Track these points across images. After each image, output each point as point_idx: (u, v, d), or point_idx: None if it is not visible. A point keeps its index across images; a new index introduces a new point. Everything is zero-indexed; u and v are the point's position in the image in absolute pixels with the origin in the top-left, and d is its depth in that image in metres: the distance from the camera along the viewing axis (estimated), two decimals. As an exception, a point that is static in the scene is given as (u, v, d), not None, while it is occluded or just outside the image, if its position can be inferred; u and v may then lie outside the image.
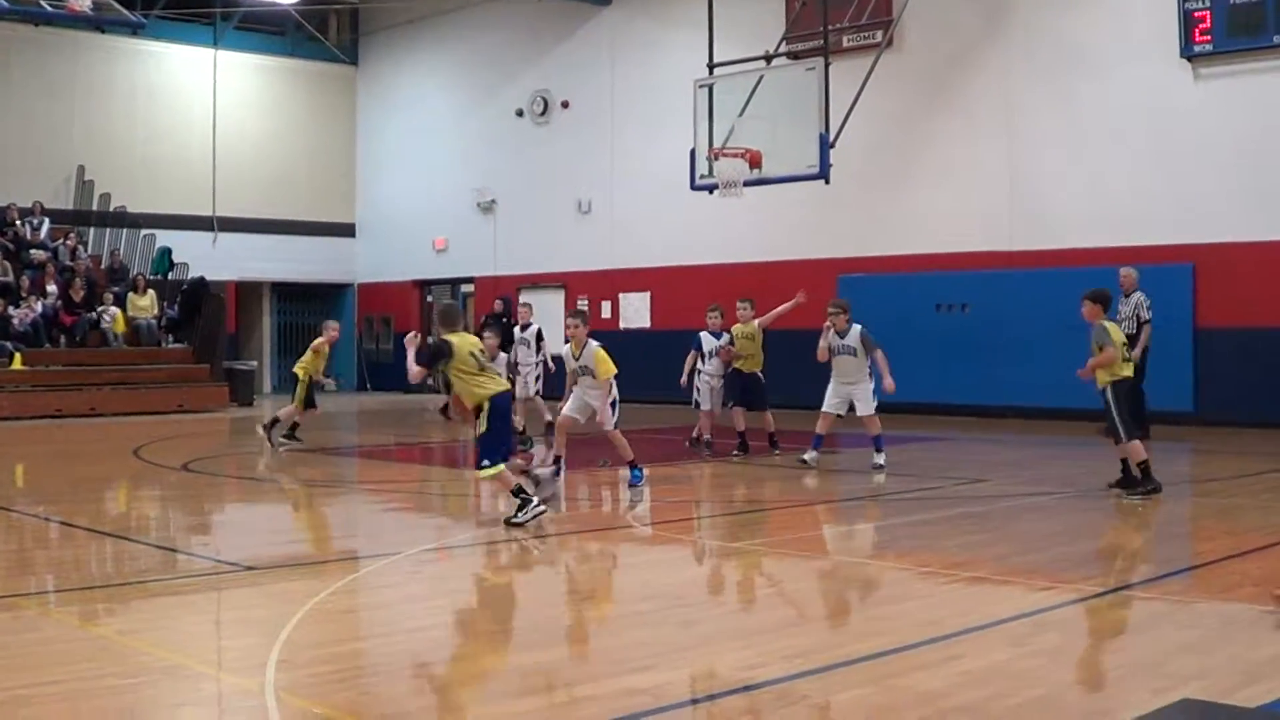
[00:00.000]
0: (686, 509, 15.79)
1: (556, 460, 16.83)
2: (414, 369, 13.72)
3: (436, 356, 13.63)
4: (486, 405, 13.41)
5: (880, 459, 18.16)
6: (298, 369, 22.54)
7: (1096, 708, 7.03)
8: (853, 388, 18.46)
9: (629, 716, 6.75)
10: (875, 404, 18.49)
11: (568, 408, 17.08)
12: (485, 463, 13.37)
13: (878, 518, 15.02)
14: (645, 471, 16.94)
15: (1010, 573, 10.76)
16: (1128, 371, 15.31)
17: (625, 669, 7.70)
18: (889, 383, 18.16)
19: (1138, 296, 21.63)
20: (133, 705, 7.17)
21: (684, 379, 20.97)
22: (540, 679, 7.60)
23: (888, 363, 18.23)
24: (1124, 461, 15.41)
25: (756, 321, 20.43)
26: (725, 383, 20.71)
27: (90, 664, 7.93)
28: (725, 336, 20.63)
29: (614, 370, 16.69)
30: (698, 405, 20.93)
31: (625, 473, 16.86)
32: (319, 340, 22.79)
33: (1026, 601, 9.68)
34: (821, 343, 18.67)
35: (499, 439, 13.66)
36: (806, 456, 18.63)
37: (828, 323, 18.57)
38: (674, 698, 7.28)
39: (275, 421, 21.98)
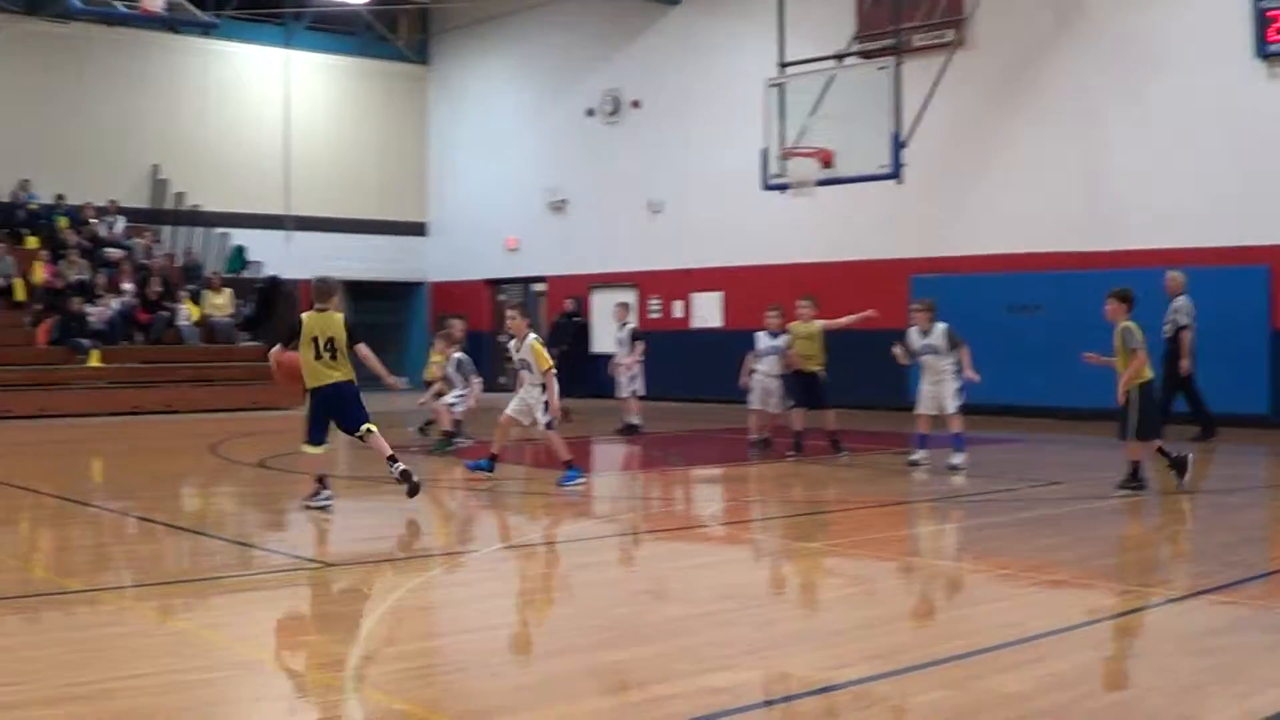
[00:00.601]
0: (760, 509, 15.76)
1: (492, 458, 16.99)
2: (274, 353, 14.62)
3: (291, 335, 14.31)
4: (308, 393, 14.27)
5: (957, 459, 18.01)
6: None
7: (1180, 713, 6.96)
8: (938, 386, 18.36)
9: (710, 716, 6.75)
10: (959, 403, 18.37)
11: (510, 407, 16.99)
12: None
13: (954, 519, 14.95)
14: (583, 474, 16.84)
15: (1090, 575, 10.69)
16: (1150, 373, 15.24)
17: (704, 668, 7.68)
18: (970, 374, 18.08)
19: (1182, 301, 21.53)
20: (215, 699, 7.23)
21: (743, 379, 20.91)
22: (619, 678, 7.61)
23: (970, 356, 18.15)
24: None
25: (819, 322, 20.31)
26: (786, 383, 20.62)
27: (172, 658, 7.99)
28: (784, 336, 20.54)
29: (550, 364, 16.61)
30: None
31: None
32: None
33: (1107, 605, 9.62)
34: (896, 349, 18.62)
35: (316, 426, 14.44)
36: (915, 457, 18.56)
37: (910, 324, 18.54)
38: (754, 698, 7.28)
39: (429, 423, 22.75)
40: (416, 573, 11.13)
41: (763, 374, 20.65)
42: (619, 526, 14.32)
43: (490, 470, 16.87)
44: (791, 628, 9.20)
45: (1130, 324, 15.11)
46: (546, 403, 16.54)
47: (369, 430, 14.42)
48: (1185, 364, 21.22)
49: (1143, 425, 14.93)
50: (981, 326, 24.70)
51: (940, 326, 18.26)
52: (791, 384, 20.52)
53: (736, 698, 7.10)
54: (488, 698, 7.16)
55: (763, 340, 20.74)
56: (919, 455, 18.53)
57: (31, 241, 34.29)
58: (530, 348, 16.57)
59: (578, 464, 16.60)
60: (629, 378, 23.90)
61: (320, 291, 14.48)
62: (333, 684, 7.28)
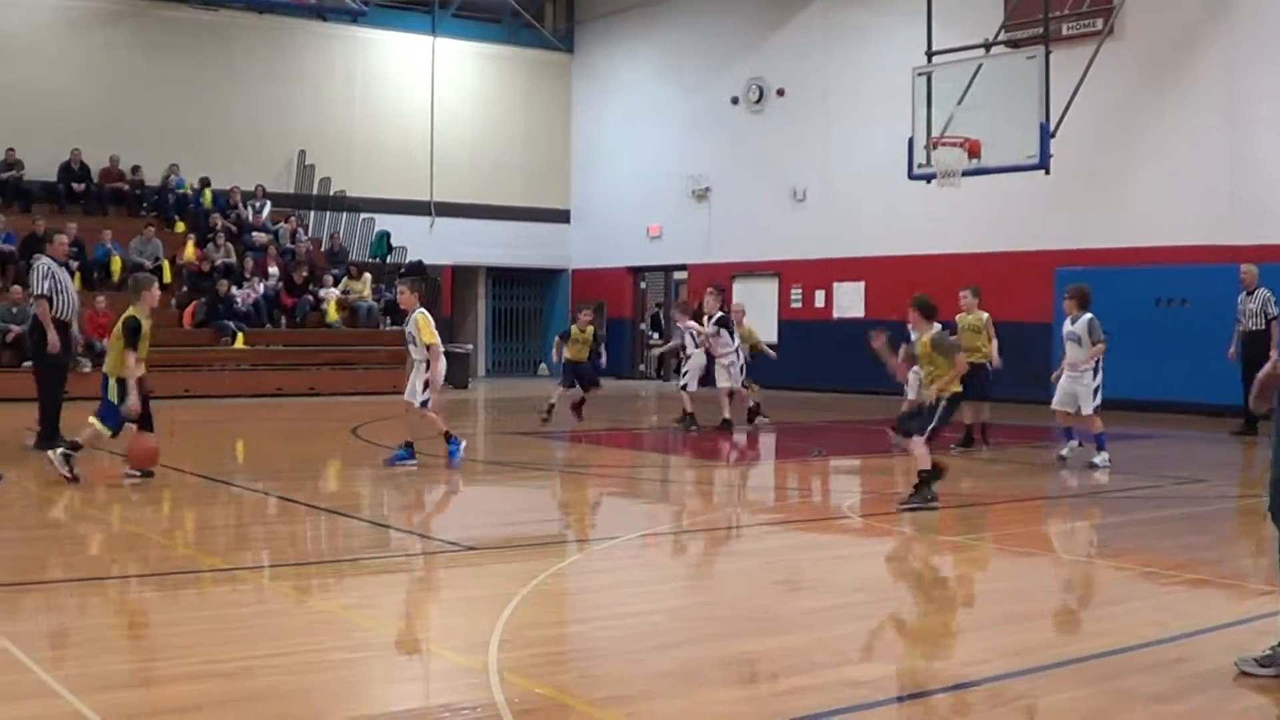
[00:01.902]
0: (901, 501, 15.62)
1: (407, 446, 16.88)
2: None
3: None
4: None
5: (1098, 459, 17.47)
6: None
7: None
8: (1075, 380, 17.79)
9: (849, 708, 6.71)
10: (1097, 403, 17.71)
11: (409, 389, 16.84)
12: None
13: (1096, 515, 14.75)
14: (463, 443, 17.10)
15: (1233, 576, 10.54)
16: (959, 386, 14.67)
17: (843, 660, 7.67)
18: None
19: (1262, 292, 21.22)
20: (357, 679, 7.30)
21: (900, 373, 20.51)
22: (757, 668, 7.58)
23: (1095, 358, 17.62)
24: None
25: (984, 313, 19.72)
26: None
27: (313, 637, 8.09)
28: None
29: (435, 339, 16.42)
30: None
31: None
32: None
33: (1249, 606, 9.41)
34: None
35: (111, 407, 14.58)
36: (1064, 451, 18.19)
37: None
38: (892, 691, 7.23)
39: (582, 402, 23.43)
40: (555, 558, 11.16)
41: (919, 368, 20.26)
42: (757, 517, 14.25)
43: (410, 460, 16.83)
44: (930, 622, 9.12)
45: (938, 332, 14.56)
46: (427, 381, 16.42)
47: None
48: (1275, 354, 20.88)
49: (933, 432, 14.30)
50: (1127, 321, 24.35)
51: (1085, 317, 17.67)
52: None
53: (876, 691, 7.07)
54: (626, 684, 7.15)
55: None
56: (1067, 449, 18.16)
57: (180, 225, 34.78)
58: (416, 321, 16.42)
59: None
60: (732, 368, 23.25)
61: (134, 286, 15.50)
62: (473, 667, 7.30)
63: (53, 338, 17.37)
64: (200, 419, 24.59)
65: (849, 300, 34.18)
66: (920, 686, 7.41)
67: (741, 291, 35.61)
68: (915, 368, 20.02)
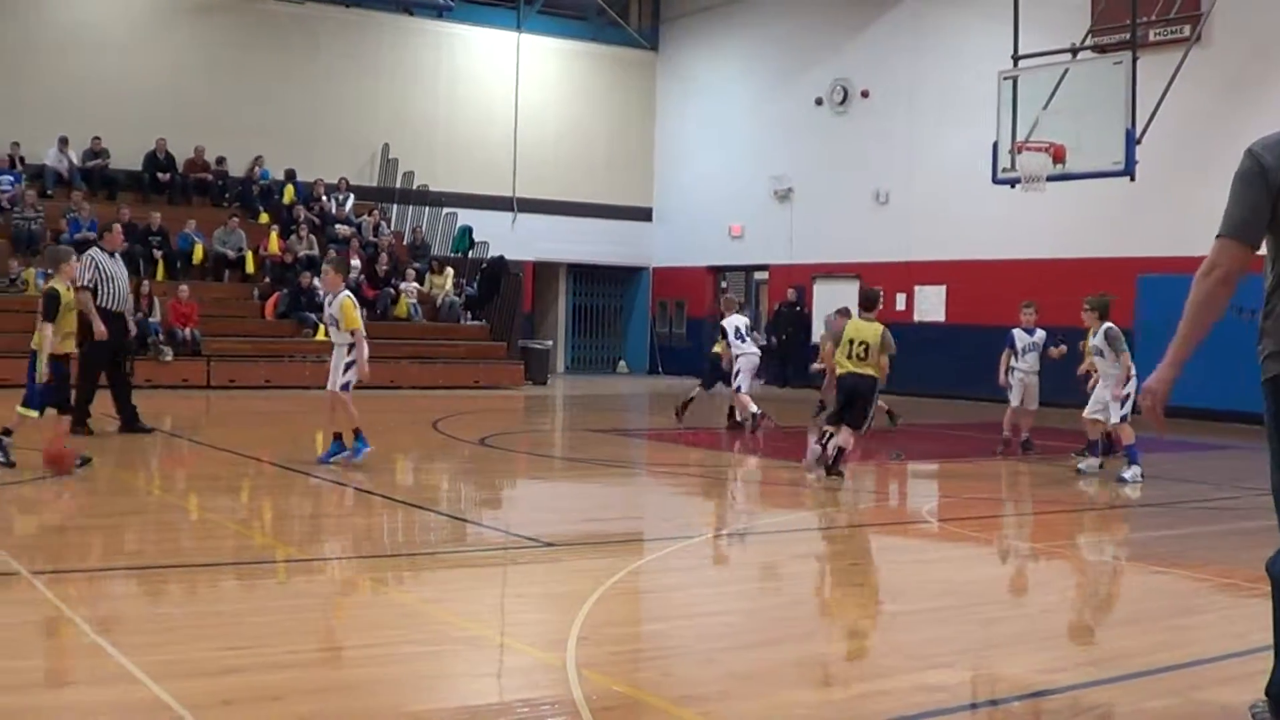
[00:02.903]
0: (983, 506, 15.54)
1: (336, 436, 16.20)
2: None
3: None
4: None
5: (1128, 473, 16.86)
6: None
7: None
8: (1104, 391, 17.50)
9: (927, 713, 6.71)
10: (1123, 412, 17.08)
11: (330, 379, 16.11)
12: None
13: (1175, 526, 14.63)
14: (369, 447, 16.04)
15: (1317, 588, 10.43)
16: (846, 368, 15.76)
17: (923, 665, 7.64)
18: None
19: None
20: (436, 673, 7.35)
21: (1002, 378, 20.30)
22: (836, 670, 7.60)
23: (1125, 371, 17.16)
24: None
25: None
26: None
27: (394, 630, 8.13)
28: (1039, 333, 20.04)
29: (358, 324, 15.76)
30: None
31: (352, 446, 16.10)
32: None
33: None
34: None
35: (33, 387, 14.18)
36: (1082, 465, 17.94)
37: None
38: (970, 697, 7.22)
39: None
40: (633, 556, 11.19)
41: (1024, 371, 20.06)
42: (835, 519, 14.23)
43: (343, 452, 16.02)
44: (1011, 628, 9.07)
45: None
46: (350, 363, 15.75)
47: None
48: None
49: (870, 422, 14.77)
50: (1210, 330, 24.07)
51: (1104, 328, 17.30)
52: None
53: (952, 696, 7.06)
54: (703, 684, 7.17)
55: (1021, 337, 20.16)
56: (1086, 464, 17.89)
57: (264, 216, 35.04)
58: (340, 304, 15.74)
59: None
60: (736, 372, 22.88)
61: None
62: (552, 663, 7.34)
63: (98, 327, 17.63)
64: (280, 409, 24.79)
65: (930, 304, 34.04)
66: (998, 694, 7.38)
67: (822, 293, 35.61)
68: (1018, 372, 19.94)
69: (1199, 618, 9.53)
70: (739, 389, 22.53)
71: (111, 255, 18.70)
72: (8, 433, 14.38)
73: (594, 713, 6.43)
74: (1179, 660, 7.91)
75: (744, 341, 22.64)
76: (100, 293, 18.08)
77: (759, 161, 39.20)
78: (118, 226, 19.66)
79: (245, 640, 7.82)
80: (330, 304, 15.92)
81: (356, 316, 15.74)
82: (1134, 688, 7.33)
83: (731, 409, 22.66)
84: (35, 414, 14.14)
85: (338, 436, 16.04)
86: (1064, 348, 19.72)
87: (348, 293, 15.92)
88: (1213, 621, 9.29)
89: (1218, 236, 6.32)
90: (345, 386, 15.71)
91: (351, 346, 15.73)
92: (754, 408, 22.28)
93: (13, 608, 8.52)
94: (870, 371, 15.82)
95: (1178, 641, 8.66)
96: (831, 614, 9.22)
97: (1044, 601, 10.41)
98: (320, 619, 8.43)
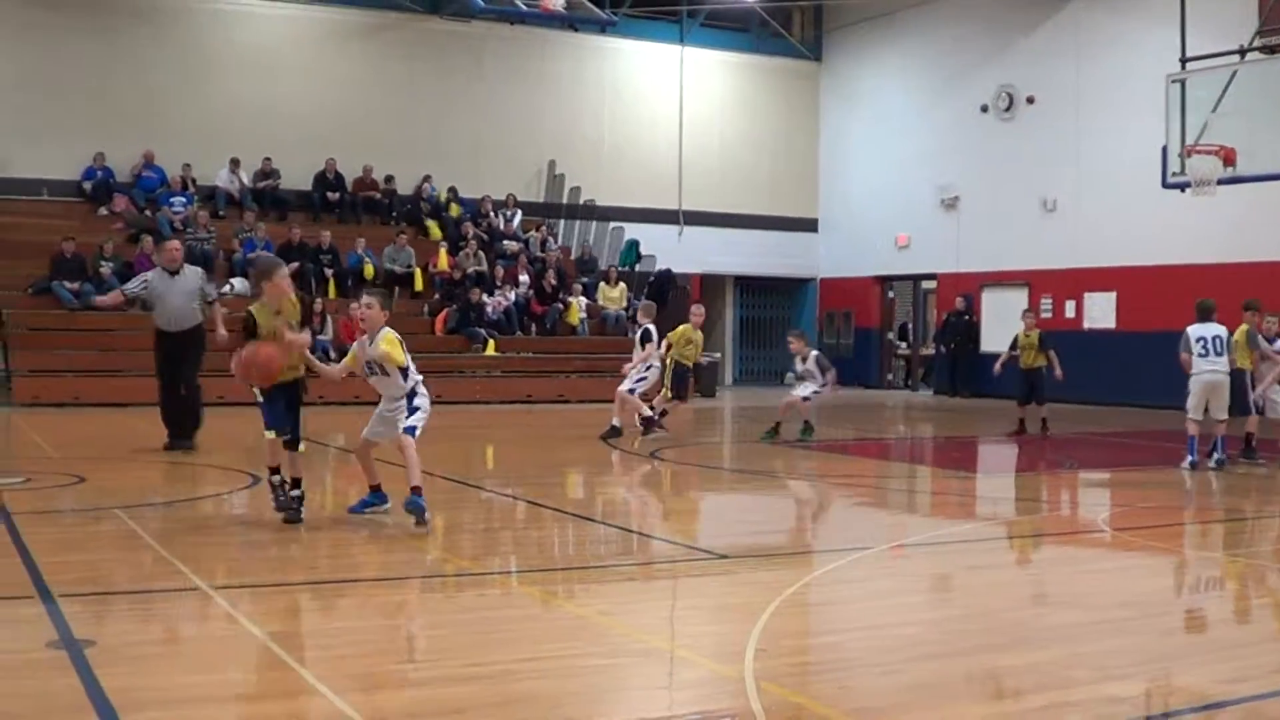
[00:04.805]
0: (1161, 514, 15.28)
1: (375, 489, 13.37)
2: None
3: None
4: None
5: (1210, 461, 17.68)
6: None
7: None
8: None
9: (1112, 725, 6.60)
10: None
11: (367, 428, 13.14)
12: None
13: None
14: (428, 514, 12.63)
15: None
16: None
17: (1105, 676, 7.51)
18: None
19: None
20: (614, 686, 7.37)
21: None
22: (1013, 682, 7.49)
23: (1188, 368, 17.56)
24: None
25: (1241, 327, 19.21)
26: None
27: (570, 642, 8.16)
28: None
29: (403, 360, 12.58)
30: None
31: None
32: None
33: None
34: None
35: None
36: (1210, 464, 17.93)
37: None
38: (1154, 709, 7.09)
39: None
40: (806, 568, 11.16)
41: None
42: (1008, 529, 14.10)
43: (377, 504, 13.30)
44: (1192, 639, 8.94)
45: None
46: (416, 408, 12.77)
47: None
48: None
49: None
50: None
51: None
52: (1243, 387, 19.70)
53: (1134, 708, 6.95)
54: (880, 696, 7.12)
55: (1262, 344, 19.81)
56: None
57: (434, 233, 35.40)
58: (383, 339, 12.50)
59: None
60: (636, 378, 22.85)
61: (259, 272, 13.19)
62: (729, 675, 7.31)
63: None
64: (451, 424, 24.95)
65: (1100, 311, 33.63)
66: (1182, 705, 7.25)
67: (990, 302, 35.35)
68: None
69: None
70: (806, 399, 22.12)
71: (173, 274, 18.50)
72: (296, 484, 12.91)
73: (773, 725, 6.42)
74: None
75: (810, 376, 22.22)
76: (151, 306, 18.75)
77: (924, 170, 38.96)
78: (172, 243, 19.52)
79: (425, 653, 7.92)
80: (369, 346, 12.53)
81: (403, 354, 12.59)
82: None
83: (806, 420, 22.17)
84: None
85: (375, 488, 13.38)
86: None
87: (388, 329, 12.61)
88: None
89: None
90: (410, 430, 12.70)
91: (413, 393, 12.80)
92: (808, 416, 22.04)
93: (196, 623, 8.68)
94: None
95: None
96: (1009, 625, 9.12)
97: (1224, 610, 10.23)
98: (497, 632, 8.46)
